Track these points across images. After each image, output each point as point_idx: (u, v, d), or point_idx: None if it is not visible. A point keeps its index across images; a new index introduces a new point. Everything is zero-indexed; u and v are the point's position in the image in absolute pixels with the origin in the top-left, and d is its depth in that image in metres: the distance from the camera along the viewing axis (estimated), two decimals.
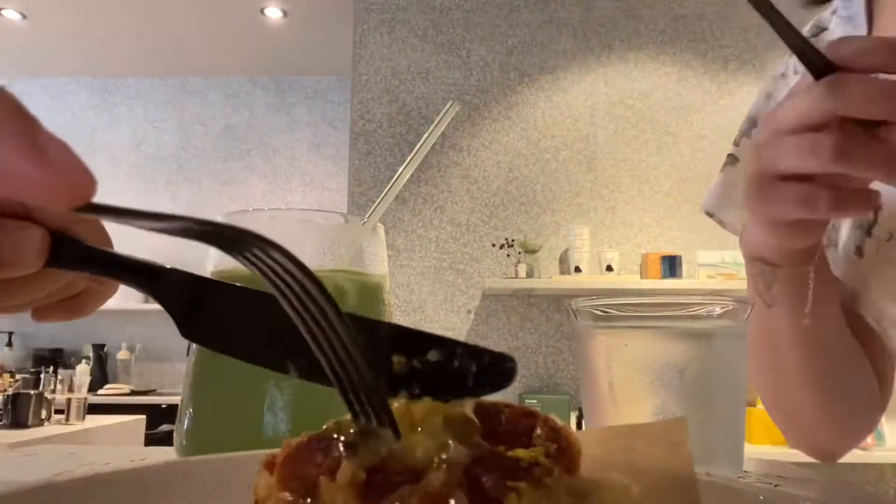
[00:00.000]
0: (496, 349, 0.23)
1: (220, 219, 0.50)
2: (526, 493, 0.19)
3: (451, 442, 0.20)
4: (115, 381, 4.23)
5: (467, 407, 0.22)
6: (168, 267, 0.24)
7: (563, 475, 0.20)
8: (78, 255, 0.24)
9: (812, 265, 0.55)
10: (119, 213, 0.21)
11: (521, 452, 0.20)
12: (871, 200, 0.44)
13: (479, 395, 0.22)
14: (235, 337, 0.24)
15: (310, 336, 0.21)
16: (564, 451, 0.21)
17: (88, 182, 0.21)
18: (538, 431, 0.21)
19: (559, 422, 0.22)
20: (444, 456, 0.19)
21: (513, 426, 0.21)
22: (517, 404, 0.23)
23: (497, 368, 0.21)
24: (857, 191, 0.45)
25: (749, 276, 0.60)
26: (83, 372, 3.76)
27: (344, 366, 0.21)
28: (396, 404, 0.22)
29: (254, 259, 0.20)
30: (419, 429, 0.21)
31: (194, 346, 0.48)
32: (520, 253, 2.71)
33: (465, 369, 0.21)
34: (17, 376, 2.93)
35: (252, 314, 0.23)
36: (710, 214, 0.77)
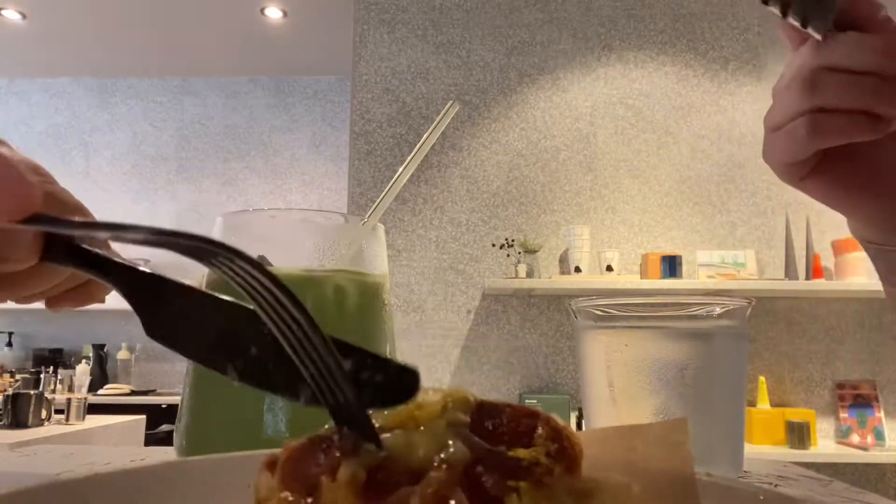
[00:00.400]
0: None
1: (216, 232, 0.50)
2: (526, 493, 0.19)
3: (451, 441, 0.20)
4: (115, 381, 4.23)
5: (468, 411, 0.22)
6: (137, 268, 0.24)
7: (563, 475, 0.20)
8: (67, 252, 0.25)
9: None
10: (70, 225, 0.21)
11: (521, 452, 0.20)
12: (861, 125, 0.42)
13: (379, 408, 0.21)
14: (193, 339, 0.25)
15: (288, 345, 0.21)
16: (565, 451, 0.21)
17: (28, 195, 0.22)
18: (539, 431, 0.21)
19: (560, 422, 0.22)
20: (443, 455, 0.19)
21: (514, 426, 0.21)
22: (518, 404, 0.23)
23: (400, 381, 0.20)
24: (843, 116, 0.42)
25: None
26: (83, 372, 3.77)
27: (323, 377, 0.21)
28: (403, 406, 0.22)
29: (223, 267, 0.20)
30: (420, 428, 0.21)
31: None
32: (520, 253, 2.71)
33: (371, 380, 0.21)
34: (17, 376, 2.93)
35: (211, 317, 0.24)
36: None
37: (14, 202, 0.21)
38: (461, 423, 0.21)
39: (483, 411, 0.22)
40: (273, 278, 0.20)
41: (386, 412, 0.22)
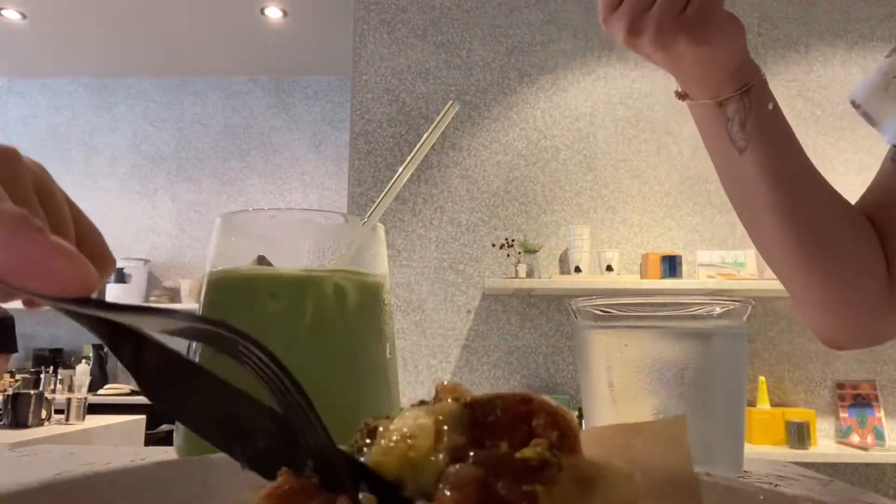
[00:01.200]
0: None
1: (216, 232, 0.50)
2: (544, 498, 0.19)
3: (452, 468, 0.20)
4: (115, 381, 4.22)
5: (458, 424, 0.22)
6: (147, 336, 0.23)
7: (568, 461, 0.20)
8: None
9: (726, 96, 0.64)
10: (116, 310, 0.21)
11: (527, 452, 0.20)
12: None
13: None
14: (199, 417, 0.25)
15: (293, 420, 0.22)
16: (565, 435, 0.21)
17: (85, 285, 0.22)
18: (537, 421, 0.21)
19: (553, 403, 0.22)
20: (450, 472, 0.19)
21: (510, 416, 0.21)
22: (507, 392, 0.22)
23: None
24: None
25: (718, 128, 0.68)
26: (83, 372, 3.76)
27: (320, 452, 0.22)
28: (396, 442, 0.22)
29: (247, 360, 0.21)
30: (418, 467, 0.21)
31: (195, 345, 0.47)
32: (520, 253, 2.71)
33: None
34: (17, 376, 2.92)
35: (219, 401, 0.24)
36: (855, 105, 0.70)
37: (67, 286, 0.22)
38: (458, 446, 0.21)
39: (475, 411, 0.22)
40: (283, 368, 0.21)
41: (380, 457, 0.21)
